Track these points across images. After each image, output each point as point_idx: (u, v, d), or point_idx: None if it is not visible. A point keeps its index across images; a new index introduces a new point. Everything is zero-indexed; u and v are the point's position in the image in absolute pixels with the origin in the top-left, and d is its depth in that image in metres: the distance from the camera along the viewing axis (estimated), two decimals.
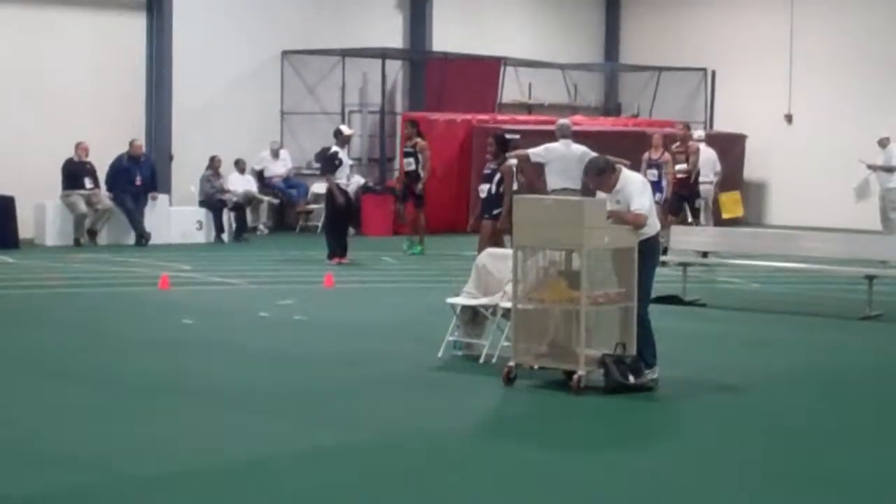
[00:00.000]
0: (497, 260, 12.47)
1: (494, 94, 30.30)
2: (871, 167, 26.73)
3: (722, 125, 31.99)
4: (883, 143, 26.27)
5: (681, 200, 22.02)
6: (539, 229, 11.11)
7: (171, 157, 25.99)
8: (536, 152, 17.62)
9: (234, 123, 26.90)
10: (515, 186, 17.10)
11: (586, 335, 10.90)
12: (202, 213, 25.09)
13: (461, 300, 12.54)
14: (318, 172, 26.49)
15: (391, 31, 29.84)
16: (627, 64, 34.02)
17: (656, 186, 19.88)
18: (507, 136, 18.75)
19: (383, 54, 28.30)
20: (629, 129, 29.27)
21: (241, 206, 25.68)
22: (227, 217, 25.30)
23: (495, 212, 16.89)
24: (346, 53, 28.31)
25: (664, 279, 15.43)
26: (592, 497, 8.11)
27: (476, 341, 12.45)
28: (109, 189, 24.02)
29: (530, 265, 11.28)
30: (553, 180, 17.48)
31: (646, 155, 22.34)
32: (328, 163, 21.41)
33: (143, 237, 23.87)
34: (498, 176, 17.05)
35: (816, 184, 30.27)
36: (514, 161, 17.21)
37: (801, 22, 31.04)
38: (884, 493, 8.32)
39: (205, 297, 17.09)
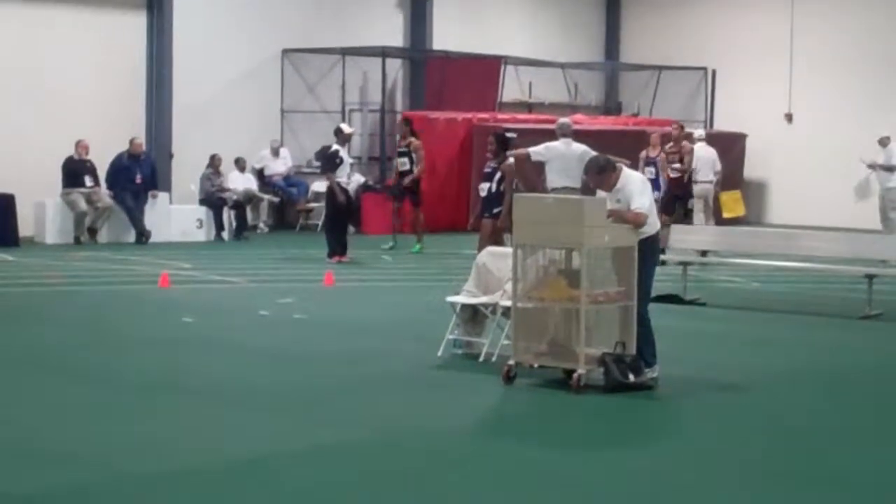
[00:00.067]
0: (497, 258, 12.47)
1: (495, 93, 30.29)
2: (872, 166, 26.73)
3: (722, 124, 31.99)
4: (883, 142, 26.27)
5: (674, 200, 22.03)
6: (539, 228, 11.11)
7: (171, 156, 25.99)
8: (537, 151, 17.61)
9: (235, 122, 26.90)
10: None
11: (586, 334, 10.90)
12: (202, 212, 25.09)
13: (461, 299, 12.54)
14: (318, 171, 26.50)
15: (391, 30, 29.84)
16: (628, 63, 34.02)
17: (654, 184, 19.88)
18: (507, 134, 18.74)
19: (384, 53, 28.29)
20: (629, 128, 29.26)
21: (242, 204, 25.68)
22: (228, 215, 25.30)
23: (495, 210, 16.88)
24: (346, 52, 28.31)
25: (664, 278, 15.44)
26: (592, 496, 8.11)
27: (476, 340, 12.45)
28: (110, 187, 24.02)
29: (530, 264, 11.28)
30: (553, 179, 17.47)
31: (643, 153, 22.36)
32: (329, 161, 21.40)
33: (143, 235, 23.87)
34: (498, 174, 17.04)
35: (817, 183, 30.27)
36: (511, 161, 17.20)
37: (802, 21, 31.05)
38: (885, 492, 8.32)
39: (205, 296, 17.09)
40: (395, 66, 30.07)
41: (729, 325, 15.30)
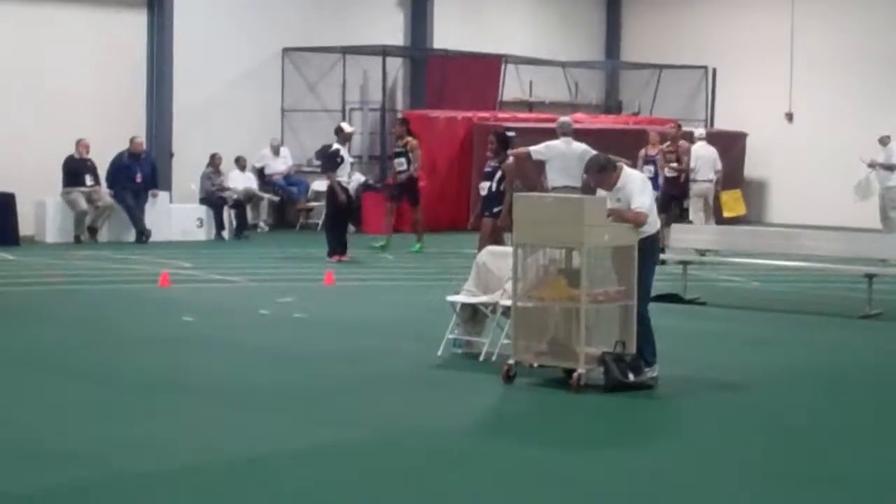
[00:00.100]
0: (497, 258, 12.47)
1: (495, 92, 30.28)
2: (872, 165, 26.71)
3: (722, 123, 31.99)
4: (884, 141, 26.25)
5: (670, 199, 22.03)
6: (539, 227, 11.11)
7: (171, 155, 25.99)
8: (537, 150, 17.62)
9: (235, 121, 26.90)
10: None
11: (586, 333, 10.90)
12: (202, 211, 25.09)
13: (461, 298, 12.54)
14: (318, 170, 26.50)
15: (392, 29, 29.83)
16: (628, 62, 34.02)
17: (653, 183, 19.87)
18: (507, 133, 18.75)
19: (384, 52, 28.28)
20: (630, 127, 29.25)
21: (242, 203, 25.68)
22: (228, 214, 25.30)
23: (496, 209, 16.88)
24: (346, 51, 28.30)
25: (664, 277, 15.43)
26: (592, 495, 8.11)
27: (476, 339, 12.45)
28: (110, 186, 24.02)
29: (530, 263, 11.28)
30: (554, 178, 17.48)
31: (642, 151, 22.34)
32: (330, 160, 21.40)
33: (143, 234, 23.87)
34: (499, 174, 17.04)
35: (817, 182, 30.27)
36: (511, 160, 17.20)
37: (802, 20, 31.04)
38: (885, 491, 8.32)
39: (205, 295, 17.09)
40: (396, 65, 30.06)
41: (729, 325, 15.30)
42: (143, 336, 13.64)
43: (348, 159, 21.44)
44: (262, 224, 26.99)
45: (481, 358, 12.16)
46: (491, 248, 13.21)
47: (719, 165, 23.44)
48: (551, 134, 18.17)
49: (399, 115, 28.20)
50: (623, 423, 10.21)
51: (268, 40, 27.61)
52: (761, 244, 18.27)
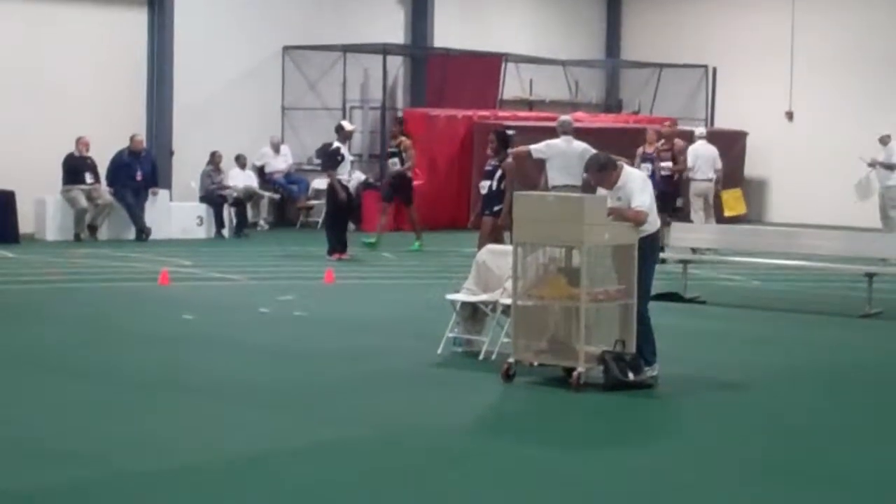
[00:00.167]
0: (497, 256, 12.47)
1: (495, 91, 30.29)
2: (872, 164, 26.71)
3: (723, 122, 32.00)
4: (884, 140, 26.25)
5: (664, 198, 22.00)
6: (539, 226, 11.11)
7: (171, 153, 25.99)
8: (538, 148, 17.62)
9: (235, 119, 26.90)
10: None
11: (586, 332, 10.90)
12: (202, 209, 25.09)
13: (461, 297, 12.54)
14: (318, 168, 26.51)
15: (392, 27, 29.84)
16: (628, 60, 34.02)
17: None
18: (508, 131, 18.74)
19: (384, 50, 28.29)
20: (630, 126, 29.25)
21: (242, 201, 25.68)
22: (228, 212, 25.31)
23: (496, 208, 16.87)
24: (347, 49, 28.31)
25: (664, 276, 15.43)
26: (592, 494, 8.11)
27: (476, 338, 12.45)
28: (110, 184, 24.02)
29: (530, 262, 11.28)
30: (554, 176, 17.48)
31: (640, 150, 22.33)
32: (330, 158, 21.41)
33: (143, 232, 23.87)
34: (499, 172, 17.03)
35: (817, 181, 30.27)
36: (510, 159, 17.19)
37: (802, 19, 31.04)
38: (885, 490, 8.32)
39: (205, 293, 17.10)
40: (396, 64, 30.06)
41: (729, 324, 15.30)
42: (143, 334, 13.65)
43: (349, 157, 21.45)
44: (262, 222, 26.99)
45: (481, 356, 12.17)
46: (491, 246, 13.21)
47: (719, 164, 23.44)
48: (551, 133, 18.17)
49: (398, 115, 28.29)
50: (623, 422, 10.21)
51: (268, 38, 27.61)
52: (761, 243, 18.27)
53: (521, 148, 17.65)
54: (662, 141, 22.47)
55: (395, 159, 22.98)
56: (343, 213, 21.26)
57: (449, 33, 30.05)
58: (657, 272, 11.78)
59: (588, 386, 10.88)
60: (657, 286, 12.35)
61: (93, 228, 23.77)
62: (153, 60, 25.82)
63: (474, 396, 10.90)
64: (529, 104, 31.99)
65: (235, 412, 10.11)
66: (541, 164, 17.92)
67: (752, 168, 31.48)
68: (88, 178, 23.75)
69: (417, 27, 30.20)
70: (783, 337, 14.40)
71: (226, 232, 25.11)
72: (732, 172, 28.56)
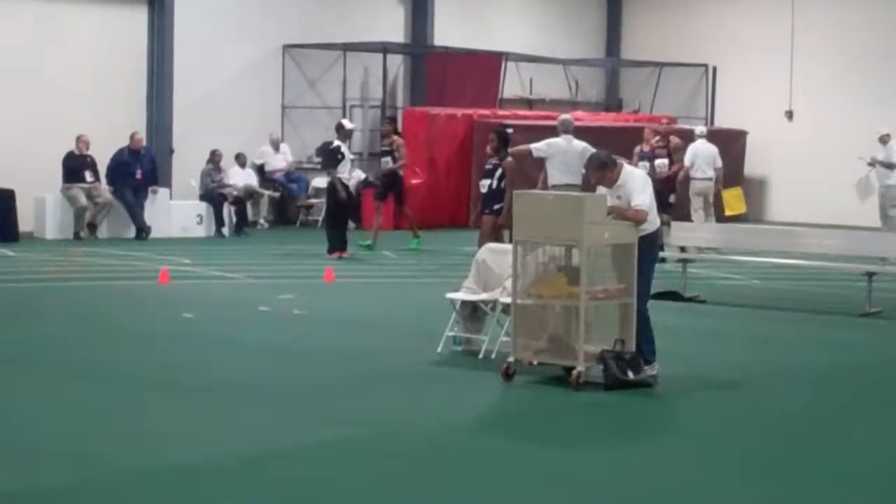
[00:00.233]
0: (497, 255, 12.47)
1: (495, 89, 30.30)
2: (872, 163, 26.72)
3: (723, 121, 32.00)
4: (884, 139, 26.24)
5: (657, 195, 21.94)
6: (539, 224, 11.10)
7: (171, 151, 25.99)
8: (538, 147, 17.62)
9: (235, 117, 26.89)
10: None
11: (585, 331, 10.90)
12: (202, 207, 25.08)
13: (461, 295, 12.54)
14: (318, 167, 26.51)
15: (393, 26, 29.84)
16: (629, 59, 34.02)
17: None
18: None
19: (384, 49, 28.30)
20: (630, 125, 29.24)
21: (242, 200, 25.68)
22: (228, 211, 25.30)
23: (496, 207, 16.87)
24: (347, 48, 28.31)
25: (664, 275, 15.43)
26: (591, 493, 8.11)
27: (475, 336, 12.45)
28: (110, 182, 24.02)
29: (530, 260, 11.28)
30: (554, 175, 17.49)
31: (637, 148, 22.30)
32: (330, 157, 21.40)
33: (143, 231, 23.87)
34: (499, 171, 17.02)
35: (817, 180, 30.26)
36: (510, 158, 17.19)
37: (802, 18, 31.03)
38: (884, 490, 8.32)
39: (205, 292, 17.10)
40: (396, 62, 30.06)
41: (728, 323, 15.30)
42: (143, 333, 13.64)
43: (349, 156, 21.45)
44: (262, 221, 26.99)
45: (481, 355, 12.16)
46: (491, 245, 13.21)
47: (719, 163, 23.42)
48: (551, 131, 18.17)
49: (401, 112, 28.31)
50: (622, 421, 10.21)
51: (268, 37, 27.61)
52: (761, 242, 18.27)
53: (522, 147, 17.65)
54: (658, 138, 22.43)
55: (387, 158, 23.01)
56: (343, 211, 21.26)
57: (449, 32, 30.05)
58: (656, 271, 11.77)
59: (588, 385, 10.88)
60: (656, 285, 12.34)
61: (92, 227, 23.76)
62: (153, 59, 25.82)
63: (474, 395, 10.89)
64: (529, 103, 31.99)
65: (235, 411, 10.11)
66: (540, 163, 17.92)
67: (751, 167, 31.47)
68: (88, 176, 23.74)
69: (417, 26, 30.20)
70: (782, 336, 14.40)
71: (226, 230, 25.10)
72: (732, 171, 28.55)
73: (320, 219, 25.53)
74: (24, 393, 10.67)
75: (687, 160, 22.76)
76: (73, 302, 16.00)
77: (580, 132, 18.73)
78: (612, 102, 34.23)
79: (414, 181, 26.45)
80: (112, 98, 25.33)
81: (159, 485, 7.99)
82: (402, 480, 8.25)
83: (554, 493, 8.00)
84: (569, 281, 11.00)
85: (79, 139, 23.75)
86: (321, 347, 12.94)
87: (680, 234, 18.29)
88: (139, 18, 25.74)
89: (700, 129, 24.52)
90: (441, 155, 27.32)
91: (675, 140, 22.46)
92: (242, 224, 25.35)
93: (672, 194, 21.89)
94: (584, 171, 14.66)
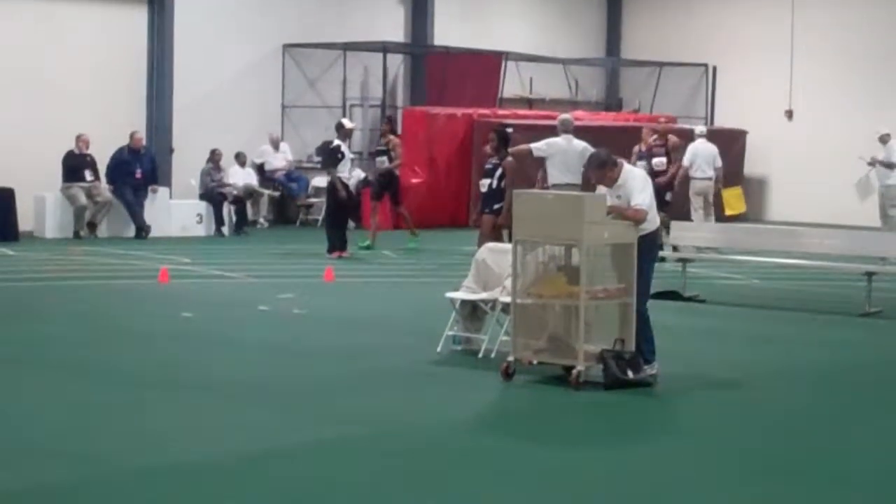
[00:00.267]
0: (497, 255, 12.46)
1: (495, 89, 30.30)
2: (871, 163, 26.72)
3: (722, 121, 32.00)
4: (884, 139, 26.23)
5: (658, 194, 21.92)
6: (539, 224, 11.10)
7: (171, 150, 25.99)
8: (538, 147, 17.61)
9: (235, 117, 26.89)
10: None
11: (585, 330, 10.90)
12: (202, 207, 25.08)
13: (460, 295, 12.53)
14: (318, 166, 26.51)
15: (393, 25, 29.84)
16: (629, 59, 34.02)
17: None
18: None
19: (385, 48, 28.30)
20: (630, 125, 29.23)
21: (242, 199, 25.67)
22: (228, 210, 25.30)
23: (496, 206, 16.87)
24: (347, 47, 28.31)
25: (663, 275, 15.43)
26: (591, 493, 8.11)
27: (475, 336, 12.45)
28: (110, 181, 24.01)
29: (530, 260, 11.27)
30: (554, 174, 17.48)
31: (636, 148, 22.29)
32: (330, 156, 21.40)
33: (142, 230, 23.86)
34: (499, 171, 17.02)
35: (816, 180, 30.25)
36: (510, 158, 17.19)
37: (802, 18, 31.02)
38: (884, 489, 8.31)
39: (204, 291, 17.10)
40: (396, 62, 30.06)
41: (728, 322, 15.30)
42: (143, 332, 13.64)
43: (349, 155, 21.45)
44: (261, 220, 26.99)
45: (480, 355, 12.16)
46: (491, 244, 13.21)
47: (719, 163, 23.41)
48: (552, 131, 18.17)
49: (401, 112, 28.30)
50: (622, 421, 10.21)
51: (268, 36, 27.61)
52: (761, 242, 18.27)
53: (522, 146, 17.64)
54: (655, 137, 22.41)
55: (384, 157, 23.02)
56: (343, 211, 21.26)
57: (449, 31, 30.05)
58: (656, 270, 11.77)
59: (587, 384, 10.88)
60: (656, 284, 12.33)
61: (92, 226, 23.76)
62: (153, 58, 25.82)
63: (473, 394, 10.89)
64: (529, 102, 31.99)
65: (235, 410, 10.11)
66: (539, 163, 17.92)
67: (751, 167, 31.47)
68: (88, 175, 23.74)
69: (418, 25, 30.20)
70: (782, 335, 14.40)
71: (225, 230, 25.10)
72: (732, 171, 28.56)
73: (320, 218, 25.52)
74: (23, 392, 10.67)
75: (687, 160, 22.76)
76: (72, 301, 16.00)
77: (580, 132, 18.72)
78: (612, 102, 34.23)
79: (414, 181, 26.46)
80: (112, 97, 25.33)
81: (159, 484, 7.98)
82: (401, 480, 8.25)
83: (554, 493, 8.00)
84: (568, 280, 11.00)
85: (79, 138, 23.75)
86: (321, 347, 12.94)
87: (678, 234, 18.28)
88: (139, 18, 25.74)
89: (700, 128, 24.51)
90: (441, 154, 27.32)
91: (673, 139, 22.45)
92: (242, 223, 25.35)
93: (668, 192, 21.90)
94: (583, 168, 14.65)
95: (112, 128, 24.30)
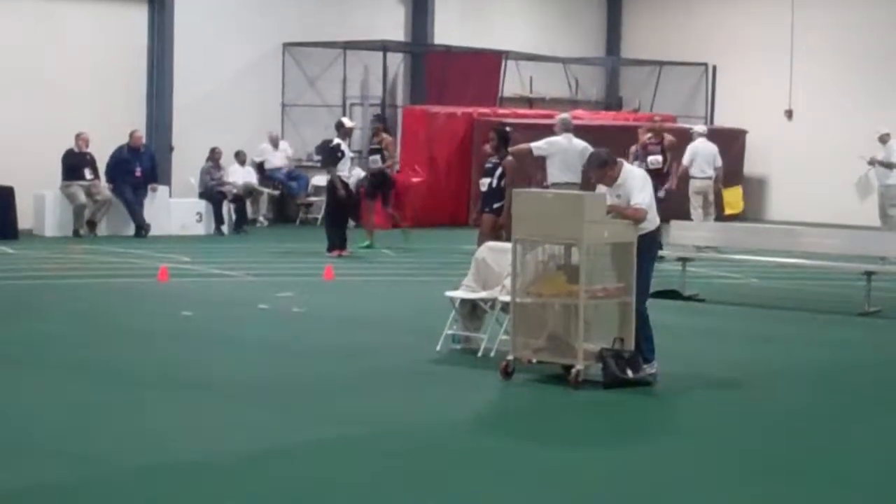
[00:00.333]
0: (497, 254, 12.46)
1: (496, 88, 30.30)
2: (871, 162, 26.71)
3: (722, 120, 31.99)
4: (883, 139, 26.22)
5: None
6: (539, 223, 11.10)
7: (171, 149, 25.98)
8: (538, 146, 17.63)
9: (235, 115, 26.90)
10: None
11: (585, 329, 10.90)
12: (202, 205, 25.08)
13: (460, 294, 12.53)
14: (318, 165, 26.51)
15: (393, 24, 29.84)
16: (629, 58, 34.01)
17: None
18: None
19: (385, 47, 28.30)
20: (630, 124, 29.22)
21: (241, 197, 25.67)
22: (227, 209, 25.29)
23: (496, 206, 16.86)
24: (347, 46, 28.31)
25: (663, 274, 15.43)
26: (591, 492, 8.10)
27: (474, 335, 12.45)
28: (109, 180, 24.01)
29: (530, 259, 11.27)
30: (554, 174, 17.50)
31: (633, 148, 22.26)
32: (330, 155, 21.41)
33: (142, 228, 23.86)
34: (499, 170, 17.01)
35: (816, 179, 30.25)
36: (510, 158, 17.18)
37: (802, 17, 31.02)
38: (884, 489, 8.31)
39: (204, 289, 17.09)
40: (397, 61, 30.05)
41: (728, 321, 15.30)
42: (142, 330, 13.63)
43: (349, 154, 21.46)
44: (261, 219, 26.99)
45: (480, 354, 12.16)
46: (490, 243, 13.20)
47: (719, 162, 23.40)
48: (552, 130, 18.17)
49: (400, 111, 28.30)
50: (621, 420, 10.21)
51: (268, 35, 27.62)
52: (761, 241, 18.27)
53: (522, 145, 17.64)
54: (650, 135, 22.36)
55: (377, 156, 23.00)
56: (343, 209, 21.26)
57: (449, 30, 30.06)
58: (655, 269, 11.77)
59: (587, 383, 10.88)
60: (656, 284, 12.33)
61: (92, 224, 23.76)
62: (153, 57, 25.83)
63: (473, 394, 10.89)
64: (529, 102, 31.98)
65: (234, 409, 10.10)
66: (539, 162, 17.92)
67: (751, 166, 31.46)
68: (88, 174, 23.74)
69: (418, 24, 30.20)
70: (782, 335, 14.40)
71: (225, 228, 25.10)
72: (732, 171, 28.57)
73: (320, 217, 25.52)
74: (23, 391, 10.66)
75: (686, 159, 22.75)
76: (72, 300, 16.00)
77: (580, 131, 18.73)
78: (612, 101, 34.23)
79: (414, 179, 26.47)
80: (112, 96, 25.33)
81: (159, 483, 7.98)
82: (401, 480, 8.25)
83: (554, 493, 7.99)
84: (568, 279, 11.00)
85: (78, 137, 23.75)
86: (320, 345, 12.94)
87: (678, 233, 18.26)
88: (139, 17, 25.75)
89: (700, 127, 24.50)
90: (441, 153, 27.32)
91: (668, 137, 22.39)
92: (242, 222, 25.35)
93: (661, 189, 21.85)
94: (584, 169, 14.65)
95: (112, 126, 24.31)
